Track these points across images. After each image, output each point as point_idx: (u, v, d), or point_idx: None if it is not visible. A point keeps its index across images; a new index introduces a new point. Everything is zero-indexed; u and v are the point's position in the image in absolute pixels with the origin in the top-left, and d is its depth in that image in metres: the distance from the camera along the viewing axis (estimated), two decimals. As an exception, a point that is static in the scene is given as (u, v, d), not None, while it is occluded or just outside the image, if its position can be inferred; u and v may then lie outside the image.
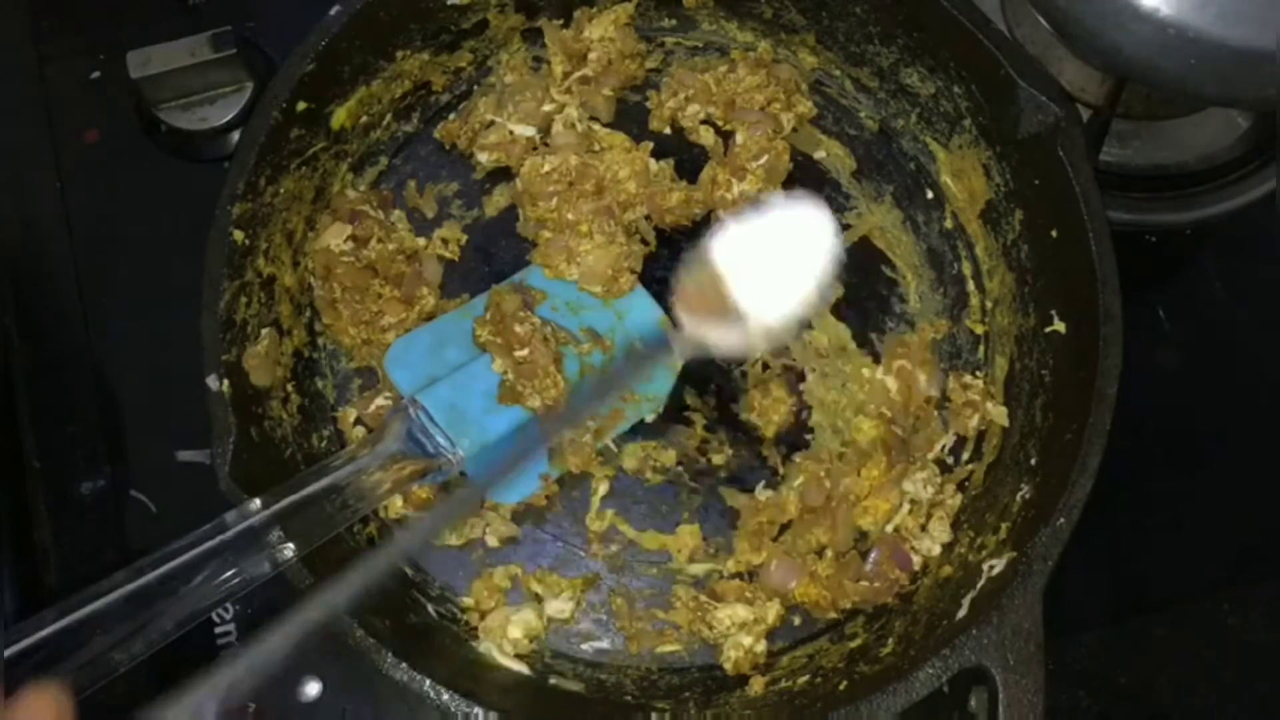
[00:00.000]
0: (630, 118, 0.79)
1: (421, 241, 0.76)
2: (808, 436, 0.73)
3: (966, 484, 0.72)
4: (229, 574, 0.56)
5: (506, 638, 0.68)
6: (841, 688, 0.63)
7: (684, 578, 0.71)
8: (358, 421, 0.73)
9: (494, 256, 0.77)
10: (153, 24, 0.83)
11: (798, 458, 0.73)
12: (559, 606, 0.70)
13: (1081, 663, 0.74)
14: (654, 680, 0.69)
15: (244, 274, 0.68)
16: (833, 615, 0.70)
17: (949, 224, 0.77)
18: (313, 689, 0.71)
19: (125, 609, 0.53)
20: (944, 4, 0.70)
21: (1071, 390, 0.66)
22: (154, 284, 0.79)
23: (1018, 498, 0.67)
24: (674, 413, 0.74)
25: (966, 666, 0.59)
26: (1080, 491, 0.61)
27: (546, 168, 0.75)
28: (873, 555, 0.70)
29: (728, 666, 0.68)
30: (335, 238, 0.73)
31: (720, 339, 0.60)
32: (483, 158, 0.77)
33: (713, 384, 0.74)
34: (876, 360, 0.75)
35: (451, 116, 0.79)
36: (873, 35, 0.76)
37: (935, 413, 0.73)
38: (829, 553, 0.70)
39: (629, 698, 0.68)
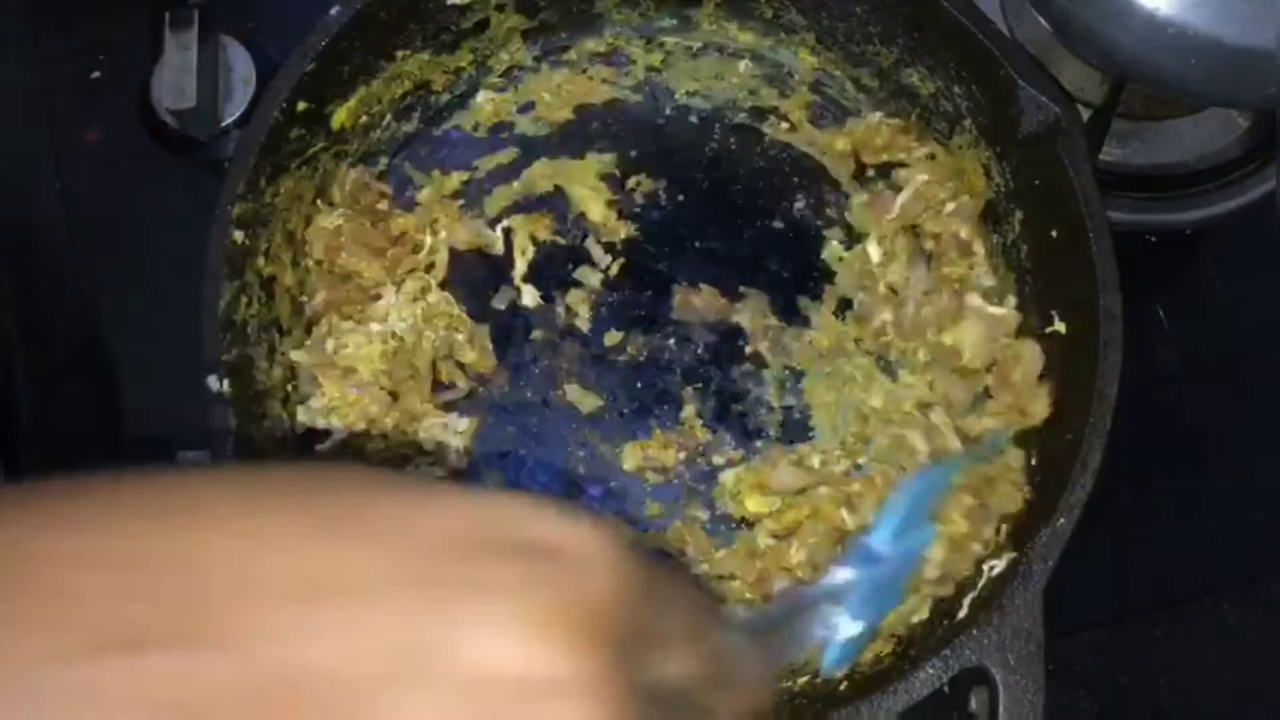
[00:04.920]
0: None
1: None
2: (808, 436, 0.73)
3: (966, 484, 0.72)
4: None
5: (507, 638, 0.68)
6: (841, 688, 0.63)
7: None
8: (358, 421, 0.73)
9: (494, 256, 0.77)
10: (153, 24, 0.83)
11: (798, 458, 0.73)
12: (559, 606, 0.69)
13: (1081, 663, 0.74)
14: (654, 680, 0.69)
15: (244, 274, 0.68)
16: (833, 615, 0.69)
17: (949, 224, 0.77)
18: (313, 689, 0.71)
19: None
20: (944, 4, 0.70)
21: (1071, 390, 0.66)
22: (154, 284, 0.79)
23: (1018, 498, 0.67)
24: (672, 410, 0.73)
25: (966, 666, 0.58)
26: (1080, 491, 0.61)
27: None
28: (873, 555, 0.69)
29: (728, 666, 0.68)
30: (330, 223, 0.72)
31: None
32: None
33: (713, 384, 0.74)
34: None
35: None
36: (873, 35, 0.76)
37: (935, 412, 0.73)
38: (829, 553, 0.70)
39: (629, 698, 0.67)
